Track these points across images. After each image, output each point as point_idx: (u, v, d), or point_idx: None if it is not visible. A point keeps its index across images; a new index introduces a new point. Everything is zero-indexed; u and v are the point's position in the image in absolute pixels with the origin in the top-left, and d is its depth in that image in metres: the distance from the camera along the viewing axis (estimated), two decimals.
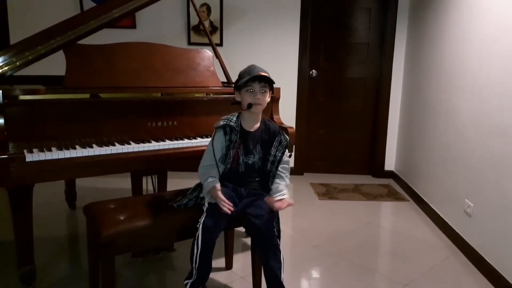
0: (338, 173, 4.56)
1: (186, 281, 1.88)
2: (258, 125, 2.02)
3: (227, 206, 1.81)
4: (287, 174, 2.06)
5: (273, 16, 4.21)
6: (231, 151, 1.97)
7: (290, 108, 4.33)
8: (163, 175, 2.66)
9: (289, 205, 1.93)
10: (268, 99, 1.99)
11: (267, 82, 1.94)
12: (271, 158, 2.01)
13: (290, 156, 2.12)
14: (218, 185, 1.88)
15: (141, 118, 2.30)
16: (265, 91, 1.95)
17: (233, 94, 2.04)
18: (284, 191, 1.98)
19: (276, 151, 2.01)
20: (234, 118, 1.99)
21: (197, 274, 1.84)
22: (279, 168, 2.02)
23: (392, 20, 4.21)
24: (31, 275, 2.06)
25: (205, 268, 1.86)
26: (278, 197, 1.94)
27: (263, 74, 1.91)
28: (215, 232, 1.82)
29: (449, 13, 3.18)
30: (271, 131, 2.03)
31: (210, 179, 1.90)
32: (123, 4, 2.43)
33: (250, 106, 1.93)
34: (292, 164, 4.43)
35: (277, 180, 2.02)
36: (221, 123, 1.97)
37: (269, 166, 2.01)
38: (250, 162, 2.00)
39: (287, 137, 2.05)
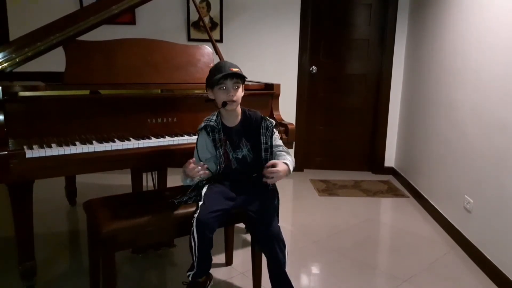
0: (338, 170, 4.56)
1: (188, 273, 1.91)
2: (239, 118, 2.02)
3: (200, 169, 1.84)
4: (286, 151, 2.01)
5: (273, 12, 4.20)
6: (220, 150, 1.98)
7: (290, 105, 4.33)
8: (163, 171, 2.66)
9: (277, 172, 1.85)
10: (242, 93, 1.98)
11: (239, 77, 1.94)
12: (263, 146, 2.00)
13: (281, 137, 2.08)
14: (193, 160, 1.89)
15: (141, 115, 2.30)
16: (238, 87, 1.95)
17: None
18: (288, 161, 1.93)
19: (266, 138, 2.00)
20: (214, 117, 2.00)
21: (197, 265, 1.88)
22: (275, 150, 2.01)
23: (393, 16, 4.20)
24: (31, 271, 2.07)
25: (205, 260, 1.88)
26: (281, 161, 1.90)
27: (234, 70, 1.90)
28: (209, 227, 1.81)
29: (449, 9, 3.17)
30: (253, 120, 2.02)
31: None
32: (122, 0, 2.42)
33: (225, 104, 1.93)
34: (292, 157, 4.42)
35: (279, 154, 1.99)
36: (202, 124, 1.99)
37: (264, 155, 2.00)
38: (240, 156, 2.01)
39: (271, 120, 2.03)
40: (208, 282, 2.04)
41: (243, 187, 2.00)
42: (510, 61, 2.30)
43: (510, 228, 2.24)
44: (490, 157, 2.46)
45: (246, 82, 2.05)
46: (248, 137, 2.02)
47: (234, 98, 1.93)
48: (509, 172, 2.26)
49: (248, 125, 2.02)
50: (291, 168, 1.93)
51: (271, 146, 2.01)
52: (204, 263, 1.89)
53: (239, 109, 2.03)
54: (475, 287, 2.32)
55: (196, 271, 1.89)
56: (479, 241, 2.56)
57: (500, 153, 2.36)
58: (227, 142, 1.99)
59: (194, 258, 1.85)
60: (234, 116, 2.02)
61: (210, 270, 1.98)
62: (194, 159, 1.91)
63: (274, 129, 2.03)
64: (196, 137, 2.34)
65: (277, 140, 2.04)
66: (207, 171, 1.91)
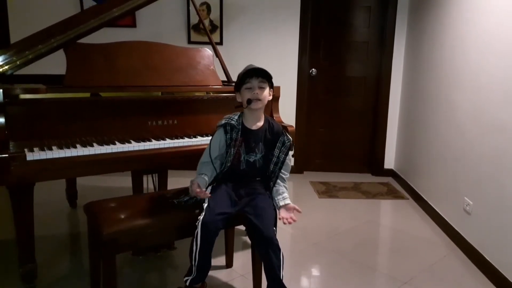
0: (338, 172, 4.57)
1: (185, 278, 1.90)
2: (261, 123, 2.03)
3: (202, 194, 1.86)
4: (288, 175, 2.10)
5: (273, 14, 4.21)
6: (232, 149, 1.98)
7: (290, 107, 4.33)
8: (163, 173, 2.66)
9: (295, 209, 1.96)
10: (268, 96, 1.99)
11: (265, 77, 1.95)
12: (274, 159, 2.01)
13: (293, 156, 2.13)
14: (199, 183, 1.91)
15: (141, 117, 2.31)
16: (264, 87, 1.96)
17: (233, 92, 2.05)
18: (285, 193, 2.02)
19: (280, 152, 2.01)
20: (236, 117, 2.01)
21: (197, 271, 1.86)
22: (282, 170, 2.04)
23: (392, 18, 4.21)
24: (32, 273, 2.08)
25: (205, 265, 1.87)
26: (281, 202, 1.99)
27: (258, 68, 1.93)
28: (214, 229, 1.82)
29: (449, 11, 3.19)
30: (274, 131, 2.03)
31: (200, 177, 1.96)
32: (123, 3, 2.43)
33: (249, 102, 1.93)
34: (292, 162, 4.41)
35: (278, 181, 2.05)
36: (223, 121, 1.99)
37: (272, 167, 2.02)
38: (251, 160, 2.01)
39: (290, 137, 2.05)
40: None
41: (245, 190, 2.01)
42: (509, 63, 2.31)
43: (509, 229, 2.24)
44: (489, 159, 2.47)
45: None
46: (265, 144, 2.02)
47: (260, 97, 1.93)
48: (508, 174, 2.27)
49: (269, 134, 2.03)
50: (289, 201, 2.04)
51: (282, 162, 2.03)
52: (203, 268, 1.87)
53: (262, 114, 2.03)
54: None
55: (194, 276, 1.87)
56: (479, 243, 2.56)
57: (499, 154, 2.36)
58: (243, 144, 1.99)
59: (194, 262, 1.84)
60: (256, 119, 2.02)
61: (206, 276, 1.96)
62: (197, 181, 1.91)
63: (290, 147, 2.04)
64: (196, 139, 2.37)
65: (288, 159, 2.06)
66: (206, 196, 1.90)
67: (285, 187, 2.07)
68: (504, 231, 2.29)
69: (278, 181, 2.05)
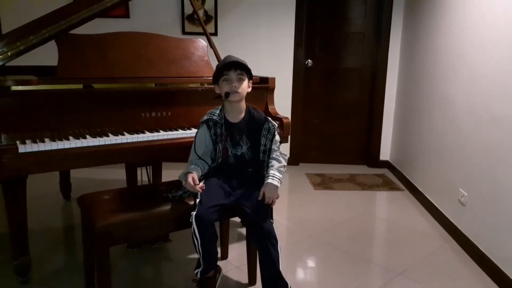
0: (334, 163, 4.57)
1: (196, 271, 1.93)
2: (242, 115, 2.00)
3: (197, 189, 1.84)
4: (281, 156, 2.01)
5: (268, 5, 4.18)
6: (219, 144, 1.96)
7: (286, 98, 4.32)
8: (157, 165, 2.65)
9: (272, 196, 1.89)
10: (247, 88, 1.97)
11: (243, 69, 1.92)
12: (262, 148, 1.99)
13: (280, 142, 2.08)
14: (194, 174, 1.89)
15: (135, 109, 2.29)
16: (242, 79, 1.93)
17: None
18: (272, 171, 1.94)
19: (266, 140, 1.98)
20: (217, 111, 1.99)
21: (203, 263, 1.90)
22: (272, 155, 2.00)
23: (388, 9, 4.18)
24: (26, 266, 2.07)
25: (210, 255, 1.90)
26: (267, 181, 1.91)
27: (236, 60, 1.90)
28: (208, 222, 1.82)
29: (445, 3, 3.17)
30: (256, 120, 2.00)
31: (191, 166, 1.95)
32: None
33: (227, 95, 1.91)
34: (287, 154, 4.42)
35: (271, 161, 1.99)
36: (205, 117, 1.98)
37: (261, 156, 2.00)
38: (238, 153, 2.00)
39: (274, 123, 2.02)
40: (218, 275, 2.05)
41: (238, 181, 2.00)
42: (503, 56, 2.30)
43: (503, 220, 2.25)
44: (483, 151, 2.47)
45: None
46: (249, 135, 2.00)
47: (238, 90, 1.91)
48: (502, 165, 2.27)
49: (251, 124, 2.00)
50: (279, 182, 1.94)
51: (270, 149, 2.00)
52: (209, 259, 1.90)
53: (243, 105, 2.01)
54: (469, 279, 2.34)
55: (203, 268, 1.91)
56: (473, 234, 2.57)
57: (493, 146, 2.36)
58: (228, 138, 1.98)
59: (199, 255, 1.87)
60: (238, 111, 1.99)
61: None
62: (194, 174, 1.89)
63: (275, 132, 2.01)
64: (190, 131, 2.35)
65: (276, 144, 2.02)
66: (203, 189, 1.88)
67: (278, 167, 1.97)
68: (499, 222, 2.30)
69: (271, 161, 1.98)
